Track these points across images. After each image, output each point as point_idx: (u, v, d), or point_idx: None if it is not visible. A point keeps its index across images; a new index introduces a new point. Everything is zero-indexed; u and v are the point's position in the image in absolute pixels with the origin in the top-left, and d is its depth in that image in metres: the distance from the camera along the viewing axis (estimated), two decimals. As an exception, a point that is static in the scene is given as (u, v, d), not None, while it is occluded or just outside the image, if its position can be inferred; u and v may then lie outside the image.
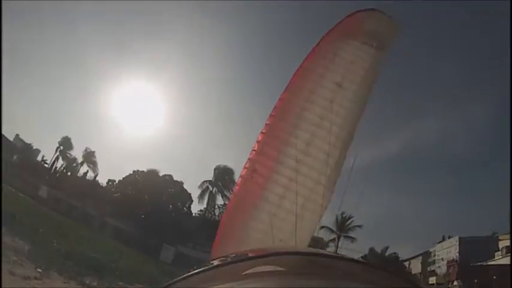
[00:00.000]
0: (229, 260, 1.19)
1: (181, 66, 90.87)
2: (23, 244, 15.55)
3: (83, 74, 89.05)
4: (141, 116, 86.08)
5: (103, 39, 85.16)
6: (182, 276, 1.13)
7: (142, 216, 48.87)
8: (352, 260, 1.19)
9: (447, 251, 47.07)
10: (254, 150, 6.66)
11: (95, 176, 57.29)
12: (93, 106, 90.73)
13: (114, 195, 54.43)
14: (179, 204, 55.33)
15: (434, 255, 50.57)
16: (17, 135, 53.63)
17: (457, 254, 43.92)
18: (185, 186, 55.31)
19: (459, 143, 72.15)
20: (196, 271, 1.13)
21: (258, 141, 6.67)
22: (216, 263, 1.20)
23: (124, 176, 56.24)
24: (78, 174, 57.48)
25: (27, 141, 54.90)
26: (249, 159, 6.68)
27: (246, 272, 1.06)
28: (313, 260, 1.23)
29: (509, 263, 28.37)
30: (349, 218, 51.07)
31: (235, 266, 1.15)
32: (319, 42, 7.12)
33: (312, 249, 1.45)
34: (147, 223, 46.13)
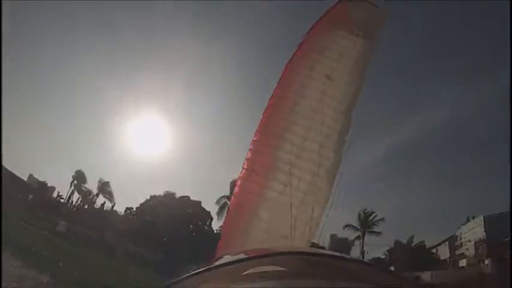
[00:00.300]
0: (229, 260, 1.19)
1: (186, 92, 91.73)
2: (42, 277, 15.47)
3: (89, 106, 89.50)
4: (151, 143, 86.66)
5: (112, 69, 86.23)
6: (183, 276, 1.14)
7: (164, 239, 48.69)
8: (353, 260, 1.20)
9: (473, 231, 45.97)
10: (251, 149, 6.66)
11: (112, 206, 57.55)
12: (103, 137, 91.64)
13: (133, 223, 53.99)
14: (200, 223, 55.35)
15: (461, 238, 49.60)
16: (31, 174, 54.33)
17: (484, 234, 42.94)
18: (203, 205, 55.41)
19: (472, 125, 70.68)
20: (196, 271, 1.14)
21: (254, 140, 6.67)
22: (216, 263, 1.21)
23: (141, 203, 56.23)
24: (95, 206, 57.56)
25: (41, 179, 55.62)
26: (246, 159, 6.68)
27: (246, 272, 1.07)
28: (313, 260, 1.23)
29: None
30: (371, 214, 50.69)
31: (236, 266, 1.16)
32: (306, 35, 7.13)
33: (312, 249, 1.51)
34: (168, 246, 46.27)
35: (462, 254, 47.98)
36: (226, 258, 1.25)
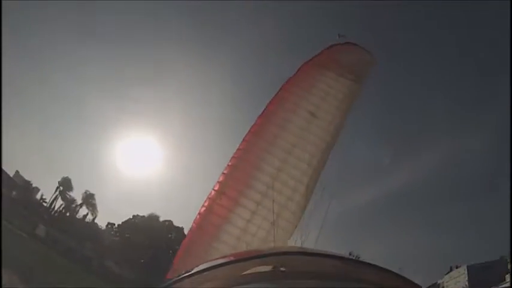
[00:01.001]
0: (229, 260, 1.20)
1: (179, 113, 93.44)
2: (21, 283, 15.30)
3: (86, 117, 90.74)
4: (141, 161, 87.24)
5: (107, 85, 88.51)
6: (182, 276, 1.12)
7: (142, 261, 47.29)
8: (353, 260, 1.23)
9: (456, 280, 45.41)
10: (224, 173, 6.64)
11: (94, 218, 56.44)
12: (94, 149, 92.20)
13: (114, 238, 53.38)
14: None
15: (443, 287, 48.91)
16: (17, 171, 53.15)
17: (467, 283, 42.40)
18: (185, 232, 54.25)
19: (458, 175, 71.35)
20: (196, 271, 1.13)
21: (229, 165, 6.67)
22: (216, 263, 1.19)
23: (124, 220, 55.41)
24: (77, 216, 56.36)
25: (27, 178, 54.34)
26: (218, 182, 6.65)
27: (246, 272, 1.06)
28: (313, 260, 1.22)
29: None
30: (357, 258, 49.52)
31: (235, 266, 1.15)
32: (296, 72, 7.35)
33: (312, 249, 1.47)
34: (145, 268, 44.88)
35: None
36: (226, 258, 1.25)
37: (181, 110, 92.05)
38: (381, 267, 1.19)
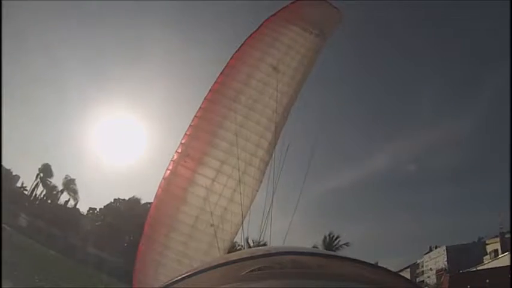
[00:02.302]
0: (228, 260, 1.17)
1: (165, 97, 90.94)
2: (6, 282, 14.62)
3: (64, 99, 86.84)
4: (121, 144, 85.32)
5: (84, 65, 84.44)
6: (182, 276, 1.09)
7: (125, 245, 47.29)
8: (353, 260, 1.13)
9: (435, 260, 47.40)
10: (187, 134, 6.48)
11: (75, 204, 55.74)
12: (74, 133, 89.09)
13: (96, 223, 53.04)
14: (162, 232, 54.41)
15: (423, 266, 50.86)
16: None
17: (446, 263, 44.14)
18: None
19: (440, 158, 73.55)
20: (196, 271, 1.10)
21: (191, 125, 6.49)
22: (215, 263, 1.16)
23: (105, 205, 55.00)
24: (59, 202, 55.55)
25: (7, 166, 53.96)
26: (181, 143, 6.49)
27: (246, 272, 1.05)
28: (313, 260, 1.20)
29: (498, 265, 28.79)
30: (336, 238, 51.40)
31: (235, 266, 1.11)
32: (259, 27, 7.08)
33: (312, 249, 1.44)
34: (128, 252, 45.21)
35: (423, 281, 48.94)
36: (226, 258, 1.22)
37: (163, 90, 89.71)
38: (381, 267, 1.19)
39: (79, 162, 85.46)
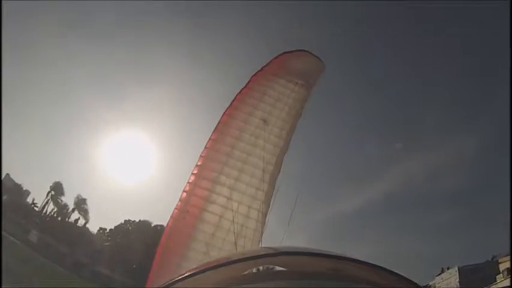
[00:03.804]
0: (229, 260, 1.20)
1: (173, 114, 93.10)
2: None
3: (78, 120, 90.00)
4: (133, 165, 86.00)
5: (96, 84, 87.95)
6: (182, 276, 1.13)
7: (134, 266, 46.57)
8: (354, 260, 1.22)
9: (447, 282, 45.45)
10: (185, 191, 6.70)
11: (85, 223, 55.96)
12: (85, 151, 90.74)
13: (106, 243, 53.08)
14: (172, 254, 53.78)
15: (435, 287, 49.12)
16: (8, 174, 51.90)
17: (458, 284, 42.56)
18: None
19: (450, 179, 72.73)
20: (196, 271, 1.14)
21: (189, 182, 6.74)
22: (215, 263, 1.20)
23: (115, 225, 55.48)
24: (69, 220, 55.80)
25: (18, 181, 53.44)
26: (180, 200, 6.70)
27: (246, 272, 1.09)
28: (313, 260, 1.22)
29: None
30: None
31: (235, 266, 1.15)
32: (247, 83, 7.52)
33: (313, 250, 1.43)
34: (137, 274, 44.62)
35: None
36: (226, 258, 1.26)
37: (173, 110, 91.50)
38: (381, 267, 1.20)
39: (90, 182, 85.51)
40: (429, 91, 75.53)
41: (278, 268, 1.16)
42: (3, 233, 32.00)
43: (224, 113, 7.16)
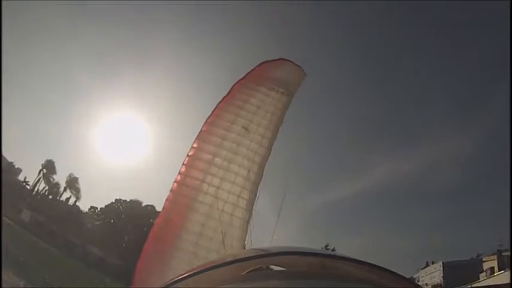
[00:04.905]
0: (229, 260, 1.22)
1: (172, 98, 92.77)
2: (17, 280, 15.76)
3: (72, 99, 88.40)
4: (125, 145, 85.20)
5: (92, 65, 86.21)
6: (182, 276, 1.14)
7: (124, 245, 47.22)
8: (354, 260, 1.21)
9: (431, 276, 46.52)
10: (168, 200, 6.73)
11: (75, 201, 55.88)
12: (79, 132, 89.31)
13: (96, 222, 53.40)
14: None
15: (419, 281, 49.57)
16: None
17: (442, 279, 43.48)
18: None
19: (438, 175, 74.18)
20: (196, 271, 1.15)
21: (171, 191, 6.77)
22: (215, 263, 1.22)
23: (106, 204, 55.34)
24: (60, 199, 55.89)
25: (9, 159, 52.66)
26: (163, 208, 6.74)
27: (246, 272, 1.09)
28: (313, 260, 1.22)
29: (493, 283, 28.21)
30: (332, 250, 50.24)
31: (236, 266, 1.17)
32: (229, 91, 7.62)
33: (312, 249, 1.41)
34: (127, 253, 44.45)
35: None
36: (226, 258, 1.28)
37: (168, 91, 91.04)
38: (381, 267, 1.20)
39: (82, 161, 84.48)
40: (426, 87, 77.09)
41: (276, 268, 1.18)
42: None
43: (206, 122, 7.22)
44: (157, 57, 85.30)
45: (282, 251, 1.29)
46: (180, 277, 1.14)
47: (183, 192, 6.74)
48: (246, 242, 6.64)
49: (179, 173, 6.83)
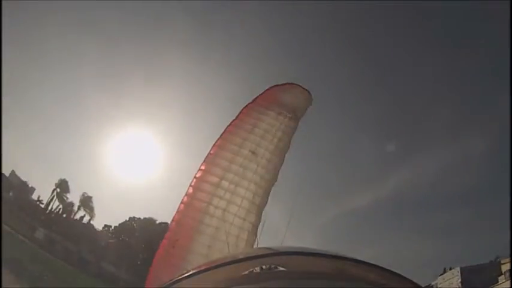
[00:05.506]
0: (229, 260, 1.25)
1: (179, 112, 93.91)
2: None
3: (85, 118, 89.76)
4: (138, 163, 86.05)
5: (102, 83, 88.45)
6: (182, 276, 1.18)
7: (138, 263, 46.77)
8: (354, 260, 1.24)
9: (449, 282, 45.06)
10: (174, 221, 6.86)
11: (89, 220, 56.05)
12: (91, 151, 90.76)
13: (110, 240, 53.54)
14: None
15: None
16: (13, 171, 51.96)
17: (460, 284, 42.02)
18: None
19: (453, 181, 72.87)
20: (196, 271, 1.19)
21: (178, 212, 6.90)
22: (216, 263, 1.25)
23: (120, 223, 55.94)
24: (75, 218, 56.04)
25: (23, 178, 53.60)
26: (169, 230, 6.85)
27: (246, 272, 1.12)
28: (313, 260, 1.24)
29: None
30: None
31: (235, 266, 1.20)
32: (238, 115, 7.81)
33: (312, 250, 1.42)
34: (141, 270, 44.35)
35: None
36: (226, 258, 1.30)
37: (180, 108, 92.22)
38: (381, 267, 1.20)
39: (95, 179, 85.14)
40: (436, 90, 76.45)
41: (278, 268, 1.17)
42: (11, 231, 32.56)
43: (214, 144, 7.41)
44: (167, 74, 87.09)
45: (283, 251, 1.32)
46: (180, 277, 1.17)
47: (190, 214, 6.86)
48: None
49: (186, 195, 6.97)
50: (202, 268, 1.21)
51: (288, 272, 1.14)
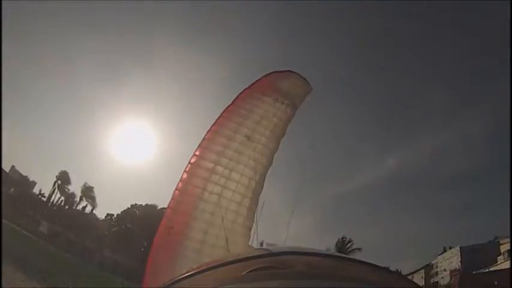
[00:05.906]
0: (229, 260, 1.19)
1: (179, 101, 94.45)
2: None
3: (82, 108, 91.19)
4: (135, 150, 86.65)
5: (96, 72, 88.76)
6: (182, 276, 1.13)
7: (142, 249, 47.26)
8: (353, 260, 1.23)
9: (449, 261, 46.31)
10: (169, 208, 6.80)
11: (92, 209, 57.07)
12: (91, 141, 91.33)
13: (113, 229, 54.22)
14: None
15: (437, 267, 49.63)
16: (13, 166, 53.04)
17: (459, 264, 42.98)
18: None
19: (453, 162, 73.38)
20: (196, 271, 1.14)
21: (172, 198, 6.83)
22: (215, 263, 1.19)
23: (122, 210, 56.38)
24: (77, 208, 57.10)
25: (24, 173, 54.70)
26: (164, 216, 6.79)
27: (246, 272, 1.07)
28: (313, 260, 1.21)
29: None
30: (348, 242, 49.68)
31: (236, 266, 1.15)
32: (234, 100, 7.71)
33: (312, 250, 1.40)
34: (146, 256, 44.61)
35: (437, 282, 47.56)
36: (226, 258, 1.24)
37: (178, 96, 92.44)
38: (381, 267, 1.20)
39: (95, 169, 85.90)
40: (436, 72, 76.56)
41: (279, 268, 1.13)
42: (17, 227, 32.95)
43: (209, 130, 7.32)
44: (162, 60, 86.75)
45: (283, 250, 1.31)
46: (180, 277, 1.15)
47: (185, 200, 6.79)
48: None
49: (181, 180, 6.90)
50: (203, 268, 1.17)
51: (288, 272, 1.12)
